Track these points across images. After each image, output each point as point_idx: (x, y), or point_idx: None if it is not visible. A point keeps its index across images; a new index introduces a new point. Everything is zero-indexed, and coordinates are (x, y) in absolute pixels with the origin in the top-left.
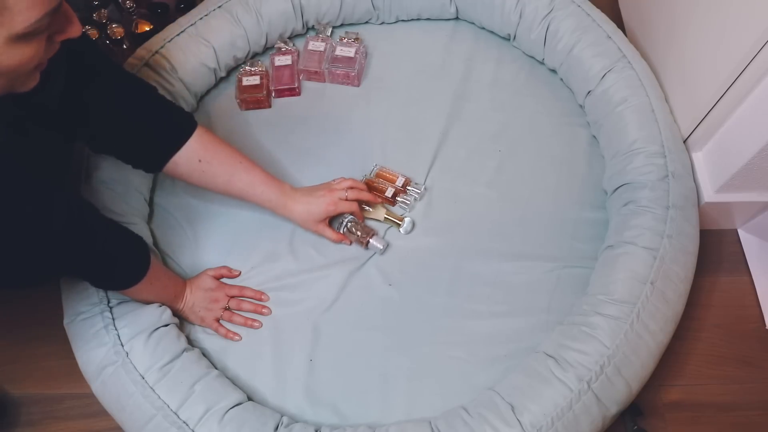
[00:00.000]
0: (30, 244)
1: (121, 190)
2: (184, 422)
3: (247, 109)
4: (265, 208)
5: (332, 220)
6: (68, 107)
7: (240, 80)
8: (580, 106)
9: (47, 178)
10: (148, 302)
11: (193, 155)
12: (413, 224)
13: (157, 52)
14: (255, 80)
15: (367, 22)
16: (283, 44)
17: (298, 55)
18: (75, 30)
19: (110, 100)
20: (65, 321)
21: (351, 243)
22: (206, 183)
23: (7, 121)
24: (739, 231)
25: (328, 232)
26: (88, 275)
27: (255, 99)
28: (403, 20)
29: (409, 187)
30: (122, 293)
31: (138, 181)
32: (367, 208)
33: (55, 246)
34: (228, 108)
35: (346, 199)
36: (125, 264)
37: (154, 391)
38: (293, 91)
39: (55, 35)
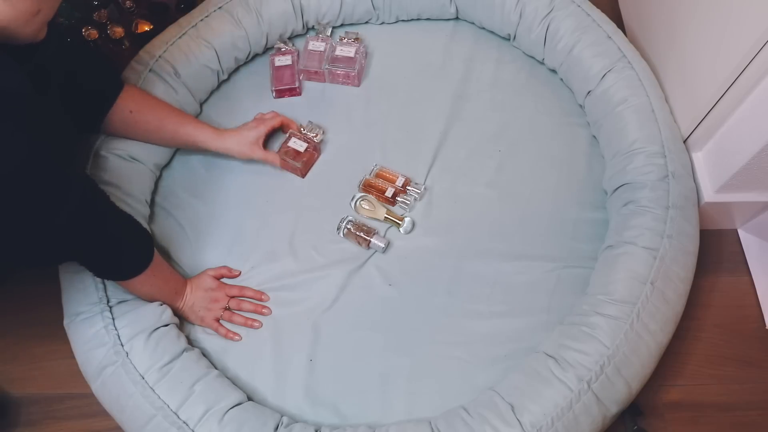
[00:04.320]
0: (43, 220)
1: (123, 191)
2: (184, 422)
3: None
4: (200, 147)
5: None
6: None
7: (289, 137)
8: (580, 106)
9: (62, 154)
10: (148, 297)
11: (124, 107)
12: (413, 224)
13: (160, 56)
14: (301, 146)
15: (367, 22)
16: (282, 44)
17: (298, 55)
18: None
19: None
20: (65, 321)
21: (291, 169)
22: (140, 132)
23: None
24: (739, 231)
25: (270, 155)
26: (93, 261)
27: (290, 164)
28: (403, 20)
29: (409, 187)
30: (123, 286)
31: (139, 182)
32: (366, 207)
33: (66, 225)
34: (228, 109)
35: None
36: (130, 252)
37: (154, 391)
38: (293, 91)
39: None
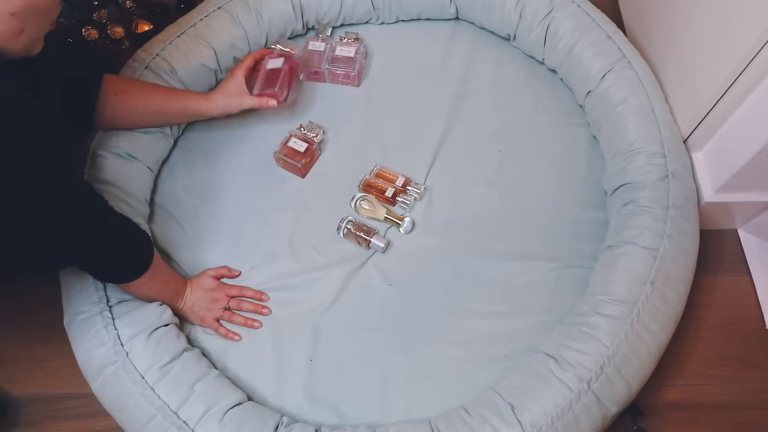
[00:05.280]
0: (41, 227)
1: (123, 191)
2: (184, 422)
3: (283, 167)
4: (191, 114)
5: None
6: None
7: (288, 138)
8: (580, 106)
9: (59, 161)
10: (148, 299)
11: (109, 92)
12: (413, 224)
13: (157, 54)
14: (302, 146)
15: (367, 22)
16: (280, 47)
17: (295, 59)
18: None
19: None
20: (65, 321)
21: (278, 105)
22: (129, 113)
23: (24, 82)
24: (739, 231)
25: (262, 99)
26: (93, 266)
27: (290, 164)
28: (403, 20)
29: (409, 187)
30: (123, 288)
31: (139, 181)
32: (366, 207)
33: (65, 231)
34: None
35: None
36: (130, 255)
37: (154, 391)
38: (274, 96)
39: None
